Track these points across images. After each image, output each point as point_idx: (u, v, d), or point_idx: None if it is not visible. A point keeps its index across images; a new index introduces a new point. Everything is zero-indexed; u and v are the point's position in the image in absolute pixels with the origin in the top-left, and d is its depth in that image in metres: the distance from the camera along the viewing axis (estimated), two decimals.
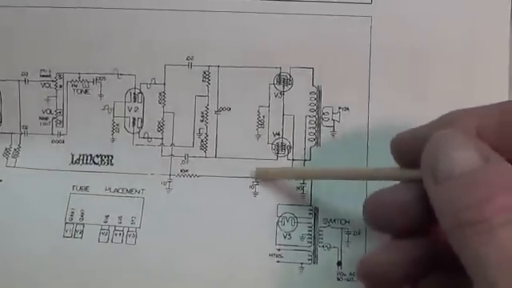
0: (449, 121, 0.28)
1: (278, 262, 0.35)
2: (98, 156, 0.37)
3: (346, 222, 0.35)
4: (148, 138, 0.37)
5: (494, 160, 0.25)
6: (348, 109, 0.36)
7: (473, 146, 0.25)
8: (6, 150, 0.37)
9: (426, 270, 0.29)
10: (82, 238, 0.35)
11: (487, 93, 0.35)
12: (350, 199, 0.35)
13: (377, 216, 0.30)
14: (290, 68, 0.36)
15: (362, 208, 0.34)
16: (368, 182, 0.35)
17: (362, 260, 0.30)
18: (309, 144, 0.36)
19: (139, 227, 0.36)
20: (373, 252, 0.30)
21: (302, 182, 0.36)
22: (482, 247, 0.22)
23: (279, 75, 0.36)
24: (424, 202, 0.27)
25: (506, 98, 0.35)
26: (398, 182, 0.30)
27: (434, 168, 0.25)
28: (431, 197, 0.26)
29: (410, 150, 0.29)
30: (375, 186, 0.34)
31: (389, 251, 0.29)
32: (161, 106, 0.37)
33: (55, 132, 0.37)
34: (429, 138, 0.26)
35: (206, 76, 0.37)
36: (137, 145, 0.37)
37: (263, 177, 0.36)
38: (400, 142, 0.30)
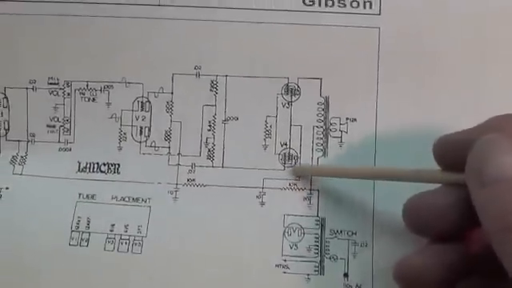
0: (495, 125, 0.28)
1: (284, 272, 0.35)
2: (104, 164, 0.37)
3: (353, 233, 0.35)
4: (155, 146, 0.37)
5: None
6: (356, 120, 0.36)
7: None
8: (13, 157, 0.37)
9: (460, 275, 0.29)
10: (87, 246, 0.35)
11: (498, 100, 0.35)
12: (357, 210, 0.35)
13: (417, 218, 0.30)
14: (298, 78, 0.36)
15: (368, 219, 0.34)
16: (375, 192, 0.35)
17: (398, 262, 0.30)
18: (316, 154, 0.36)
19: (145, 236, 0.35)
20: (409, 255, 0.30)
21: (309, 192, 0.36)
22: None
23: (287, 85, 0.36)
24: (465, 207, 0.27)
25: None
26: (437, 185, 0.30)
27: (481, 171, 0.25)
28: (475, 200, 0.26)
29: (454, 152, 0.28)
30: (382, 198, 0.34)
31: (425, 255, 0.29)
32: (168, 114, 0.37)
33: (62, 140, 0.37)
34: (474, 142, 0.26)
35: (213, 85, 0.37)
36: (144, 153, 0.37)
37: (301, 174, 0.36)
38: (444, 144, 0.30)
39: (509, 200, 0.24)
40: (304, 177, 0.36)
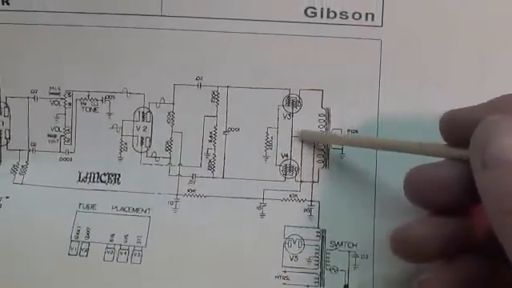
0: (500, 104, 0.28)
1: (284, 284, 0.34)
2: (105, 174, 0.37)
3: (353, 245, 0.35)
4: (156, 157, 0.37)
5: None
6: (357, 131, 0.36)
7: None
8: (13, 166, 0.38)
9: (459, 249, 0.29)
10: (87, 256, 0.35)
11: None
12: (357, 222, 0.35)
13: (418, 189, 0.30)
14: (300, 90, 0.36)
15: (369, 231, 0.34)
16: (376, 204, 0.35)
17: (396, 230, 0.30)
18: (317, 166, 0.36)
19: (145, 246, 0.35)
20: (408, 223, 0.30)
21: (309, 203, 0.36)
22: None
23: (288, 97, 0.37)
24: (467, 182, 0.27)
25: None
26: (440, 159, 0.30)
27: (484, 152, 0.25)
28: (478, 180, 0.26)
29: (459, 129, 0.29)
30: (383, 210, 0.34)
31: (424, 225, 0.30)
32: (169, 125, 0.37)
33: (63, 150, 0.37)
34: (480, 120, 0.26)
35: (214, 96, 0.37)
36: (144, 164, 0.37)
37: (307, 138, 0.36)
38: (450, 119, 0.30)
39: (510, 183, 0.24)
40: (304, 188, 0.36)
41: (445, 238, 0.29)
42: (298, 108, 0.36)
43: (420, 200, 0.30)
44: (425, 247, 0.29)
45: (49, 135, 0.37)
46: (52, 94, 0.37)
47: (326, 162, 0.36)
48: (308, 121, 0.36)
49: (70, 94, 0.37)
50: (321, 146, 0.36)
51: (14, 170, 0.37)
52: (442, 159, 0.30)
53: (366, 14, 0.36)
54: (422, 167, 0.30)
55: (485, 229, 0.29)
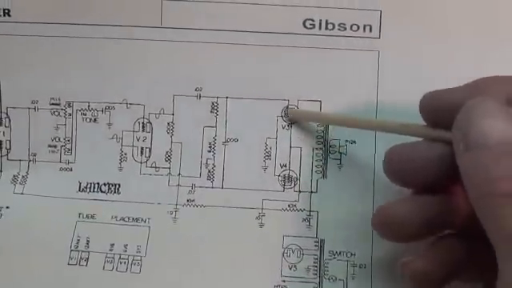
0: (480, 87, 0.28)
1: None
2: (105, 184, 0.37)
3: (351, 254, 0.35)
4: (155, 167, 0.37)
5: None
6: (355, 142, 0.36)
7: (505, 115, 0.25)
8: (14, 176, 0.38)
9: (440, 229, 0.30)
10: (87, 265, 0.35)
11: None
12: (356, 232, 0.35)
13: (398, 168, 0.30)
14: (298, 100, 0.37)
15: (367, 241, 0.34)
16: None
17: (378, 209, 0.31)
18: (316, 176, 0.36)
19: (144, 256, 0.35)
20: (390, 202, 0.31)
21: (308, 213, 0.36)
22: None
23: (287, 107, 0.37)
24: (447, 163, 0.28)
25: None
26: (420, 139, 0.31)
27: (466, 134, 0.26)
28: (460, 162, 0.26)
29: (440, 111, 0.29)
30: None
31: (406, 204, 0.30)
32: (169, 136, 0.37)
33: (63, 160, 0.38)
34: (460, 103, 0.27)
35: (214, 107, 0.37)
36: (144, 174, 0.37)
37: (295, 118, 0.37)
38: (431, 101, 0.30)
39: (493, 167, 0.24)
40: (303, 198, 0.36)
41: (426, 217, 0.29)
42: None
43: (400, 178, 0.31)
44: (406, 226, 0.30)
45: (49, 145, 0.38)
46: (52, 104, 0.38)
47: (324, 173, 0.36)
48: (306, 131, 0.37)
49: (70, 104, 0.38)
50: (319, 156, 0.36)
51: (14, 180, 0.38)
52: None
53: (364, 26, 0.37)
54: (401, 146, 0.30)
55: (466, 209, 0.29)
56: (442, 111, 0.29)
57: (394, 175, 0.31)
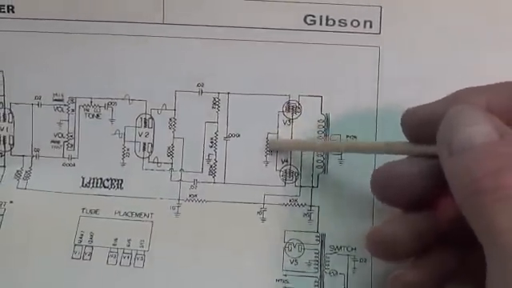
0: (459, 98, 0.29)
1: (284, 287, 0.35)
2: (108, 180, 0.38)
3: (352, 249, 0.35)
4: (158, 162, 0.37)
5: (508, 133, 0.26)
6: (356, 137, 0.37)
7: (488, 120, 0.26)
8: (17, 172, 0.38)
9: (429, 243, 0.30)
10: (90, 260, 0.36)
11: None
12: (356, 226, 0.35)
13: (385, 187, 0.31)
14: (299, 96, 0.37)
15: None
16: (374, 208, 0.36)
17: (369, 232, 0.31)
18: (316, 171, 0.37)
19: (147, 250, 0.36)
20: (380, 224, 0.31)
21: (309, 208, 0.36)
22: (497, 214, 0.23)
23: (288, 103, 0.37)
24: (433, 176, 0.28)
25: None
26: (404, 157, 0.31)
27: (450, 141, 0.26)
28: (445, 168, 0.26)
29: (422, 126, 0.30)
30: (381, 214, 0.35)
31: (395, 223, 0.31)
32: (171, 131, 0.38)
33: (66, 155, 0.38)
34: (441, 115, 0.27)
35: (215, 102, 0.37)
36: (146, 169, 0.38)
37: (275, 147, 0.37)
38: (411, 116, 0.31)
39: (478, 166, 0.24)
40: (304, 193, 0.37)
41: (417, 234, 0.30)
42: (298, 114, 0.37)
43: (387, 197, 0.31)
44: (398, 245, 0.30)
45: (52, 141, 0.38)
46: (55, 100, 0.38)
47: (325, 168, 0.37)
48: (307, 126, 0.37)
49: (73, 100, 0.38)
50: (320, 152, 0.37)
51: (17, 175, 0.38)
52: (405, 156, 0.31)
53: (365, 22, 0.37)
54: (387, 165, 0.31)
55: (451, 219, 0.29)
56: (423, 126, 0.29)
57: (381, 194, 0.31)
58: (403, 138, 0.32)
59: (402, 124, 0.31)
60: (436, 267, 0.30)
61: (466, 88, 0.29)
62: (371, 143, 0.34)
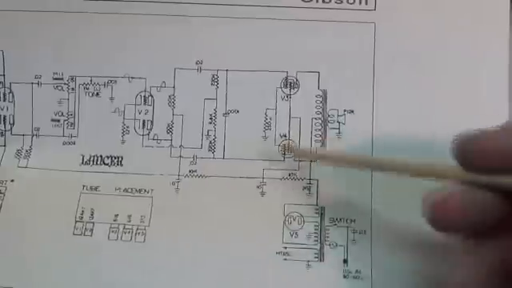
0: None
1: (285, 259, 0.35)
2: (108, 157, 0.38)
3: (351, 221, 0.36)
4: (157, 139, 0.38)
5: None
6: (353, 111, 0.37)
7: None
8: (18, 150, 0.38)
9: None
10: (91, 235, 0.36)
11: (490, 94, 0.36)
12: (355, 199, 0.36)
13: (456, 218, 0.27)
14: (297, 72, 0.37)
15: (366, 207, 0.35)
16: (373, 181, 0.36)
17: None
18: (315, 145, 0.37)
19: (148, 226, 0.36)
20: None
21: (308, 182, 0.37)
22: None
23: (286, 79, 0.37)
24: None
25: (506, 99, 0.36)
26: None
27: None
28: None
29: (481, 155, 0.27)
30: (380, 186, 0.35)
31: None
32: (170, 108, 0.38)
33: (66, 134, 0.38)
34: (506, 148, 0.26)
35: (214, 79, 0.38)
36: (146, 146, 0.38)
37: (302, 158, 0.37)
38: (467, 144, 0.27)
39: None
40: (303, 167, 0.37)
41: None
42: (296, 90, 0.37)
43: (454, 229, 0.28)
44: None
45: (52, 120, 0.38)
46: (55, 79, 0.38)
47: (323, 142, 0.37)
48: (305, 102, 0.37)
49: (73, 79, 0.38)
50: (318, 126, 0.37)
51: (18, 154, 0.38)
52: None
53: None
54: (447, 195, 0.27)
55: None
56: (483, 157, 0.27)
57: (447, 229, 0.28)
58: (399, 112, 0.33)
59: (456, 149, 0.27)
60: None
61: None
62: (412, 162, 0.30)
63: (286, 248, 0.35)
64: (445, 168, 0.28)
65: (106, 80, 0.38)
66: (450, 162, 0.27)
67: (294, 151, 0.37)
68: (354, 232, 0.36)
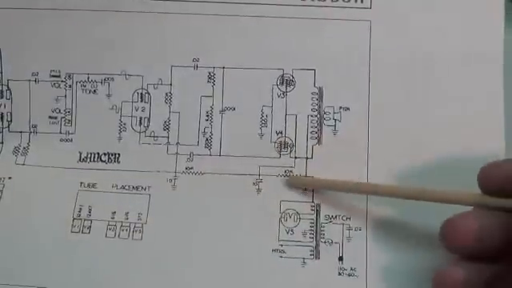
0: None
1: (280, 257, 0.35)
2: (105, 154, 0.38)
3: (347, 218, 0.36)
4: (154, 136, 0.38)
5: None
6: (349, 109, 0.37)
7: None
8: (15, 148, 0.38)
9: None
10: (89, 233, 0.36)
11: (485, 92, 0.37)
12: (351, 196, 0.36)
13: (465, 242, 0.29)
14: (293, 69, 0.38)
15: (362, 205, 0.35)
16: (369, 178, 0.36)
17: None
18: (311, 142, 0.37)
19: (145, 223, 0.36)
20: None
21: None
22: None
23: (282, 76, 0.38)
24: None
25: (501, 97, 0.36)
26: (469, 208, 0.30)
27: None
28: None
29: (505, 181, 0.28)
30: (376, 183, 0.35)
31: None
32: (167, 105, 0.38)
33: (64, 131, 0.38)
34: None
35: (211, 77, 0.38)
36: (143, 143, 0.38)
37: (296, 185, 0.37)
38: (491, 172, 0.29)
39: None
40: (299, 164, 0.37)
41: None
42: (292, 87, 0.38)
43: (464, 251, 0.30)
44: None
45: (49, 117, 0.38)
46: (53, 76, 0.38)
47: (319, 139, 0.37)
48: (301, 99, 0.38)
49: (70, 76, 0.38)
50: (314, 124, 0.37)
51: (15, 151, 0.38)
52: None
53: None
54: (457, 219, 0.29)
55: None
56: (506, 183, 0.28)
57: (459, 250, 0.30)
58: (394, 113, 0.33)
59: (482, 181, 0.29)
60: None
61: None
62: (433, 191, 0.31)
63: (281, 245, 0.36)
64: (434, 192, 0.30)
65: (102, 77, 0.38)
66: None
67: (290, 178, 0.37)
68: (350, 229, 0.36)
